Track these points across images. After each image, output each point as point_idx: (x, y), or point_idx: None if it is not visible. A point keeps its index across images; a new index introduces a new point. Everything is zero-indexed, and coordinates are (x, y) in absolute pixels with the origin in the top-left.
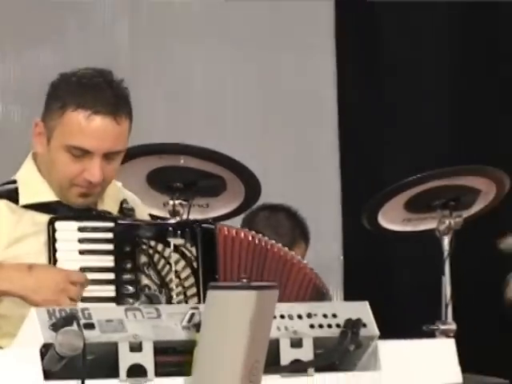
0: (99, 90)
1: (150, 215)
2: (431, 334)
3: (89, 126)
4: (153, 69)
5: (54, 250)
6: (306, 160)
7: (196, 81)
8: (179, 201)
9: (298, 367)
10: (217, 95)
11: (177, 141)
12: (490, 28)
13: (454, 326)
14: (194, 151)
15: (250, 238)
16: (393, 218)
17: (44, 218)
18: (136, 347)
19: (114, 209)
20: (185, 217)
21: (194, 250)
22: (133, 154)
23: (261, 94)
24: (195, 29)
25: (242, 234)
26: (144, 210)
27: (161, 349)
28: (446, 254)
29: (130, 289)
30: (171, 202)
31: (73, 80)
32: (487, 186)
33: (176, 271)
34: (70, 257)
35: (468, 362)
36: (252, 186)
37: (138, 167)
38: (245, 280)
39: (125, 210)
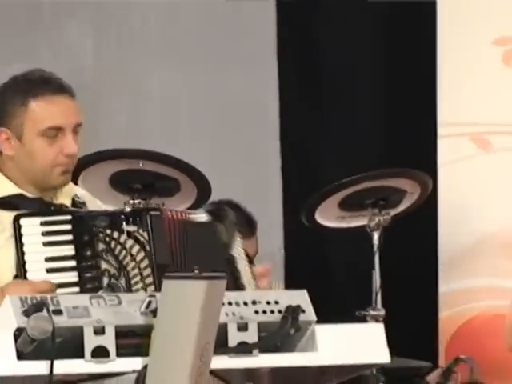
0: (46, 79)
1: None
2: (363, 319)
3: (54, 107)
4: (114, 82)
5: (21, 244)
6: (251, 163)
7: (153, 92)
8: (138, 200)
9: (244, 349)
10: (172, 105)
11: (136, 147)
12: (419, 32)
13: (382, 312)
14: (151, 156)
15: (180, 215)
16: (328, 216)
17: (8, 216)
18: (99, 331)
19: (67, 203)
20: None
21: (145, 234)
22: (97, 158)
23: (211, 103)
24: (152, 46)
25: (179, 214)
26: (97, 205)
27: (121, 332)
28: (375, 247)
29: (91, 273)
30: (131, 202)
31: (20, 79)
32: (412, 187)
33: (132, 255)
34: (36, 249)
35: (395, 345)
36: (203, 186)
37: (102, 170)
38: (197, 271)
39: (77, 204)
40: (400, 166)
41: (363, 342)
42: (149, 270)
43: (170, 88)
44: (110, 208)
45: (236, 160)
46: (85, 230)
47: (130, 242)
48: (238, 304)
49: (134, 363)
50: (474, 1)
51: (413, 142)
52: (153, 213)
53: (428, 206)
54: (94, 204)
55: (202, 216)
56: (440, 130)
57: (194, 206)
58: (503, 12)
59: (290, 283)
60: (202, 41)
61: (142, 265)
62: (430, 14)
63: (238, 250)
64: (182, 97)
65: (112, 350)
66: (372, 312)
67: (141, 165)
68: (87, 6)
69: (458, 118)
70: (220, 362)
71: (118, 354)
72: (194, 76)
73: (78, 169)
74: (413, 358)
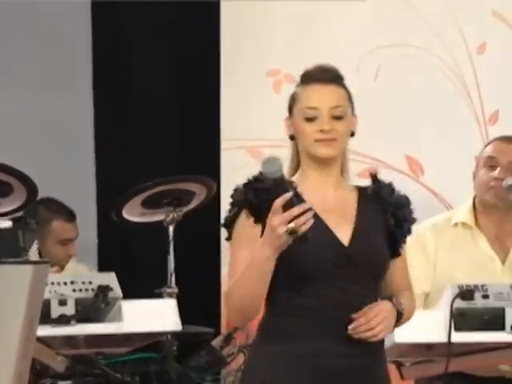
0: None
1: None
2: (160, 295)
3: None
4: None
5: None
6: (71, 171)
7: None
8: None
9: (63, 319)
10: (8, 124)
11: None
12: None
13: (176, 290)
14: None
15: None
16: (133, 213)
17: None
18: None
19: None
20: None
21: None
22: None
23: (38, 123)
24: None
25: None
26: None
27: None
28: (170, 237)
29: None
30: None
31: None
32: (200, 190)
33: None
34: None
35: (186, 316)
36: (31, 189)
37: None
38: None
39: None
40: (191, 172)
41: (160, 314)
42: None
43: (6, 110)
44: None
45: (58, 168)
46: None
47: None
48: (59, 284)
49: None
50: (252, 37)
51: (201, 153)
52: None
53: (213, 204)
54: None
55: (5, 223)
56: (222, 144)
57: (25, 204)
58: (274, 49)
59: (103, 267)
60: (35, 68)
61: None
62: (214, 49)
63: (33, 254)
64: (14, 118)
65: None
66: (167, 290)
67: None
68: None
69: (237, 134)
70: (44, 331)
71: None
72: (26, 100)
73: None
74: (200, 327)
